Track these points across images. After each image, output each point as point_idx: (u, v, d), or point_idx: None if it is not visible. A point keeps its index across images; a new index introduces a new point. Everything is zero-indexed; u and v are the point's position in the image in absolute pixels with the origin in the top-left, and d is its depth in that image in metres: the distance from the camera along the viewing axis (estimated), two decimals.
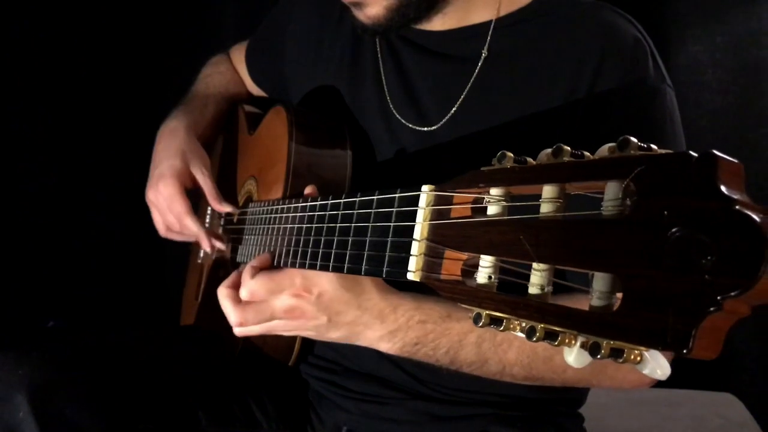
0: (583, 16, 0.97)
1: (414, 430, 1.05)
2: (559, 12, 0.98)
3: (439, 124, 1.01)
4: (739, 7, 1.66)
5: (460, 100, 1.00)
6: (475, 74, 0.99)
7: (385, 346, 0.85)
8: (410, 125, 1.03)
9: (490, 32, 0.99)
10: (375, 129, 1.07)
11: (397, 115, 1.05)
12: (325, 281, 0.80)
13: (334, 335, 0.84)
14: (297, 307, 0.81)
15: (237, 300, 0.84)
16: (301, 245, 0.82)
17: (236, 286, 0.85)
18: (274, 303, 0.82)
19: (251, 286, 0.82)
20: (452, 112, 1.00)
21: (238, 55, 1.41)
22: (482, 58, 0.99)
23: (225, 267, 1.23)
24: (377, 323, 0.83)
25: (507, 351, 0.86)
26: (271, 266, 0.87)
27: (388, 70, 1.08)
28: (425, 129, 1.02)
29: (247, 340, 1.02)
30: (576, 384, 1.02)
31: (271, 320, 0.83)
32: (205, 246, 1.19)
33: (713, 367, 1.59)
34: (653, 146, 0.40)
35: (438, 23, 1.02)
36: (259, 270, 0.84)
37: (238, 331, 0.86)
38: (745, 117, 1.68)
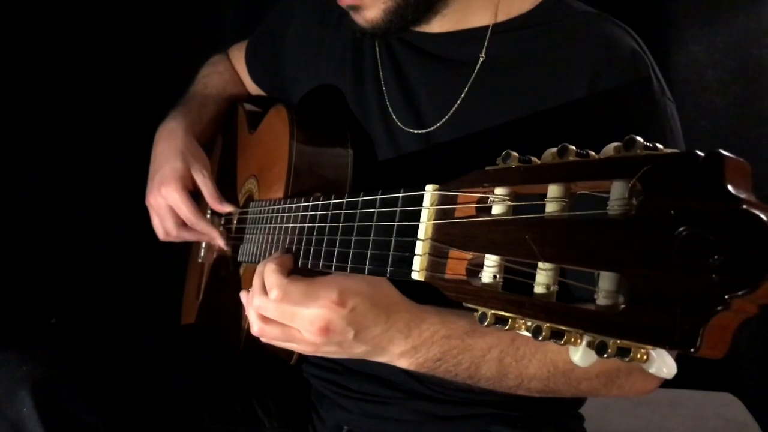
0: (582, 27, 0.96)
1: (414, 429, 1.04)
2: (559, 21, 0.97)
3: (435, 127, 1.01)
4: (739, 7, 1.66)
5: (456, 103, 0.99)
6: (472, 78, 0.99)
7: (406, 362, 0.81)
8: (407, 128, 1.03)
9: (487, 37, 0.99)
10: (374, 130, 1.07)
11: (395, 118, 1.05)
12: (359, 296, 0.75)
13: (357, 351, 0.79)
14: (327, 320, 0.74)
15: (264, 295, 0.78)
16: (303, 244, 0.81)
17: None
18: (302, 311, 0.75)
19: (285, 286, 0.76)
20: (449, 115, 1.00)
21: (237, 54, 1.41)
22: (480, 62, 0.99)
23: (226, 267, 1.23)
24: (401, 338, 0.79)
25: (528, 365, 0.84)
26: (295, 267, 0.82)
27: (387, 73, 1.08)
28: (422, 131, 1.02)
29: (250, 338, 1.01)
30: (587, 395, 1.01)
31: (292, 321, 0.77)
32: (221, 245, 1.18)
33: (713, 367, 1.59)
34: (659, 145, 0.40)
35: (436, 25, 1.02)
36: (284, 269, 0.79)
37: (258, 329, 0.80)
38: (744, 117, 1.68)
